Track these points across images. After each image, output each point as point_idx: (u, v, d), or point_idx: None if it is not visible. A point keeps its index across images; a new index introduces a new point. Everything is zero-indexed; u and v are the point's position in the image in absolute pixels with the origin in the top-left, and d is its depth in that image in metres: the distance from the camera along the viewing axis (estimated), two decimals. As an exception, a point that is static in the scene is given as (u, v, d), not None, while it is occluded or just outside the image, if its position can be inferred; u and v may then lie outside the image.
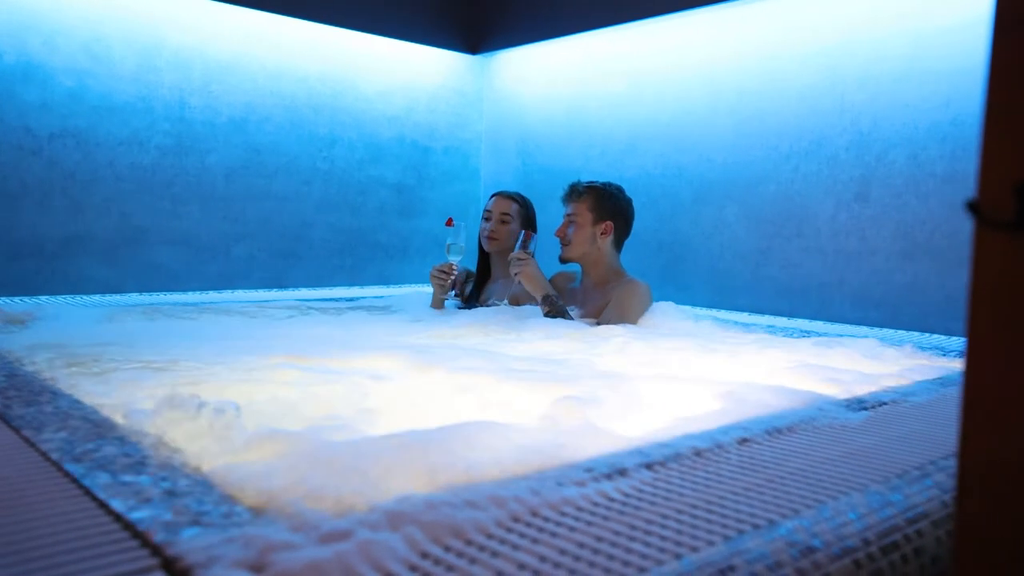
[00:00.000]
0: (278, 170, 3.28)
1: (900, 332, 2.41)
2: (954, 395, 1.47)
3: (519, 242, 2.44)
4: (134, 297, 2.86)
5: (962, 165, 2.37)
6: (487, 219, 2.73)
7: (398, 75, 3.61)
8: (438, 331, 2.18)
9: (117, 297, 2.83)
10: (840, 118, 2.63)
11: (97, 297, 2.80)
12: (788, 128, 2.77)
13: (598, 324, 2.33)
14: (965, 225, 2.36)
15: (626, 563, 0.70)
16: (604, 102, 3.39)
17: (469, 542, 0.73)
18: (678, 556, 0.71)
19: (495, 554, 0.71)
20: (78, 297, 2.77)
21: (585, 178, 2.60)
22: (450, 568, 0.68)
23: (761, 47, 2.84)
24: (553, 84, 3.62)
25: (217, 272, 3.15)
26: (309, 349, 1.73)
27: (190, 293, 3.04)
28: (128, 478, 0.85)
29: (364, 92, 3.51)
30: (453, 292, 2.99)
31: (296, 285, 3.36)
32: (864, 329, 2.48)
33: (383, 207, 3.61)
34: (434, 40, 3.66)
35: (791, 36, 2.76)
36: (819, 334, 2.35)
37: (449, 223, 2.66)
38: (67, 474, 0.87)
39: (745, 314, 2.82)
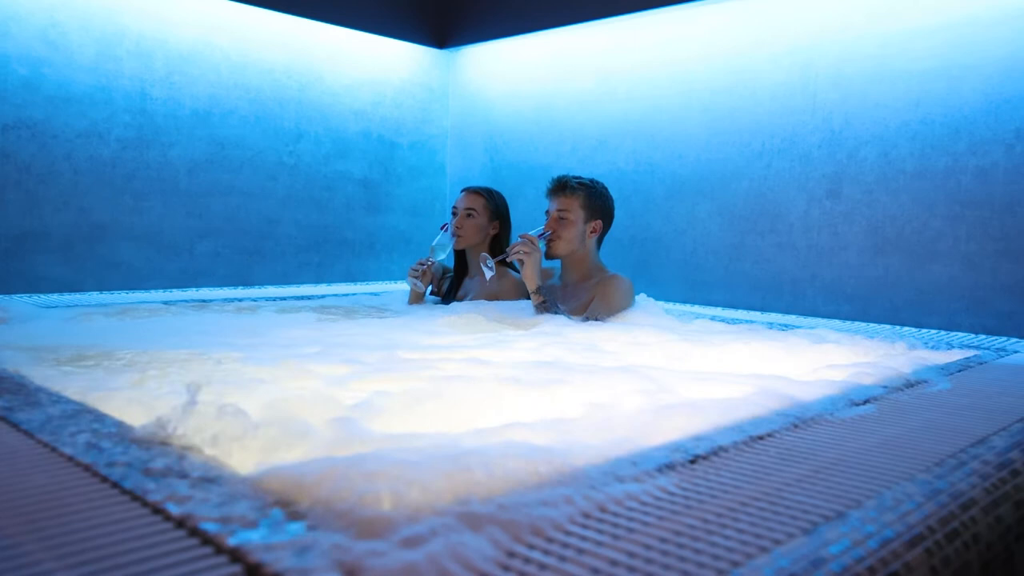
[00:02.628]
0: (243, 164, 3.19)
1: (893, 327, 2.47)
2: (953, 385, 1.51)
3: (536, 231, 2.42)
4: (94, 296, 2.75)
5: (931, 162, 2.44)
6: (454, 214, 2.71)
7: (364, 69, 3.55)
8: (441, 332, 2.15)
9: (76, 296, 2.71)
10: (812, 116, 2.69)
11: (55, 296, 2.68)
12: (761, 126, 2.82)
13: (585, 319, 2.33)
14: (934, 220, 2.44)
15: (715, 556, 0.69)
16: (574, 98, 3.39)
17: (551, 540, 0.72)
18: (764, 549, 0.71)
19: (581, 551, 0.70)
20: (34, 296, 2.65)
21: (556, 174, 2.57)
22: (543, 567, 0.66)
23: (734, 46, 2.88)
24: (521, 80, 3.60)
25: (180, 270, 3.05)
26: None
27: (152, 292, 2.93)
28: (172, 481, 0.81)
29: (330, 86, 3.44)
30: (430, 288, 2.96)
31: (262, 283, 3.27)
32: (836, 322, 2.54)
33: (350, 203, 3.55)
34: (401, 33, 3.61)
35: (764, 35, 2.80)
36: (789, 326, 2.39)
37: (444, 228, 2.66)
38: (104, 479, 0.82)
39: (719, 309, 2.86)
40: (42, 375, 1.35)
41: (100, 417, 1.07)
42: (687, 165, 3.03)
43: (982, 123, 2.34)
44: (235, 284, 3.19)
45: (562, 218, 2.43)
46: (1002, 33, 2.30)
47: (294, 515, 0.73)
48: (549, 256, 2.48)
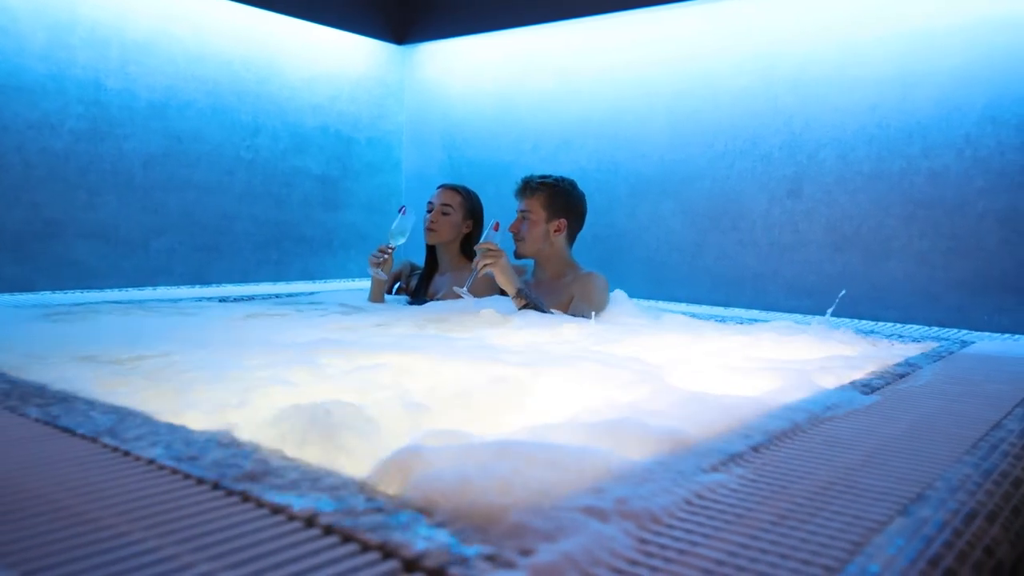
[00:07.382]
0: (200, 159, 3.09)
1: (853, 321, 2.59)
2: (940, 376, 1.61)
3: (486, 232, 2.42)
4: (46, 296, 2.62)
5: (887, 164, 2.57)
6: (429, 210, 2.70)
7: (323, 62, 3.50)
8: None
9: (28, 296, 2.58)
10: (774, 119, 2.79)
11: (6, 296, 2.55)
12: (723, 127, 2.91)
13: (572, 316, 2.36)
14: (890, 219, 2.58)
15: (832, 536, 0.73)
16: (536, 98, 3.42)
17: (671, 527, 0.74)
18: (873, 530, 0.75)
19: (707, 536, 0.72)
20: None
21: (520, 173, 2.60)
22: (682, 552, 0.69)
23: (698, 50, 2.97)
24: (482, 78, 3.61)
25: (135, 267, 2.93)
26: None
27: (107, 291, 2.81)
28: (276, 482, 0.80)
29: (288, 79, 3.37)
30: (398, 285, 2.94)
31: (219, 281, 3.18)
32: (798, 316, 2.65)
33: (307, 199, 3.49)
34: (360, 28, 3.57)
35: (727, 40, 2.90)
36: (756, 321, 2.48)
37: (402, 211, 2.61)
38: (200, 480, 0.80)
39: (683, 304, 2.95)
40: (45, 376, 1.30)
41: (149, 418, 1.04)
42: (651, 165, 3.10)
43: (935, 128, 2.49)
44: (192, 283, 3.09)
45: (525, 218, 2.46)
46: (954, 45, 2.45)
47: (428, 510, 0.74)
48: (517, 256, 2.51)
